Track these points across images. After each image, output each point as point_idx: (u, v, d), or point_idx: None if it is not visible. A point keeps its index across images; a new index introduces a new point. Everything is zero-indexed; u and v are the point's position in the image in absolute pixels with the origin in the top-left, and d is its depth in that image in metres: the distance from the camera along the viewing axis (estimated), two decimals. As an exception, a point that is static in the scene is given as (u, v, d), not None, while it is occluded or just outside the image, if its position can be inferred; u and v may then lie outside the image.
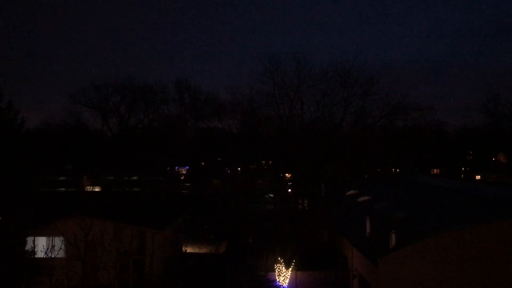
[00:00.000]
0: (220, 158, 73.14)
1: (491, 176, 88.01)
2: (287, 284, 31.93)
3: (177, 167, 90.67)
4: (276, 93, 56.87)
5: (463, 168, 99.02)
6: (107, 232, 32.44)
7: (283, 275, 31.87)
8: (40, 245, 33.34)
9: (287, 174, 60.49)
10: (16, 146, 27.53)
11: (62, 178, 75.46)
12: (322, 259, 34.70)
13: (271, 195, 53.45)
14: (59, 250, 32.86)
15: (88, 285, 30.34)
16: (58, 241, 33.26)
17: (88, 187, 69.31)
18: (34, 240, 33.08)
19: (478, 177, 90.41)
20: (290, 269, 32.23)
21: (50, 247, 32.70)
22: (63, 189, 73.64)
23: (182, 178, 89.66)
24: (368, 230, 28.87)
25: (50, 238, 33.90)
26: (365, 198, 39.73)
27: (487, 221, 24.50)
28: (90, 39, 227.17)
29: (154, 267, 33.85)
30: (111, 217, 35.01)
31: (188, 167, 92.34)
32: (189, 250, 40.81)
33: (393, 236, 24.65)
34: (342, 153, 53.62)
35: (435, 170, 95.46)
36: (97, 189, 68.16)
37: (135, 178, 73.17)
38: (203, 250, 43.81)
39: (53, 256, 31.82)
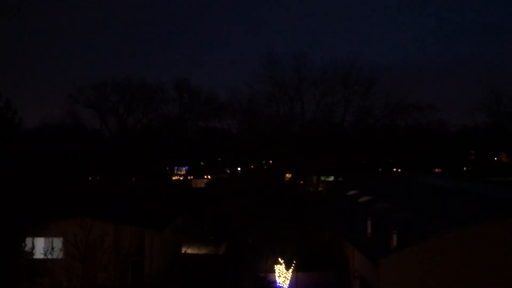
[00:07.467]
0: (220, 158, 72.95)
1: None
2: (287, 285, 31.70)
3: (176, 167, 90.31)
4: (276, 92, 56.66)
5: (465, 168, 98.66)
6: (107, 233, 32.23)
7: (284, 276, 31.64)
8: (39, 246, 33.15)
9: (287, 174, 60.20)
10: (14, 146, 27.30)
11: (61, 178, 75.12)
12: (323, 260, 34.49)
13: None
14: (59, 252, 32.70)
15: (87, 286, 30.13)
16: (58, 242, 33.10)
17: (87, 188, 68.97)
18: (33, 241, 32.90)
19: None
20: (291, 270, 31.99)
21: (49, 248, 32.54)
22: (62, 189, 73.28)
23: (181, 178, 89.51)
24: (369, 230, 28.64)
25: (50, 239, 33.71)
26: (366, 198, 39.49)
27: (489, 221, 24.26)
28: (89, 39, 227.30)
29: (153, 268, 33.64)
30: (111, 218, 34.84)
31: (188, 167, 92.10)
32: (188, 251, 40.60)
33: (395, 237, 24.44)
34: (343, 152, 53.36)
35: (436, 169, 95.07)
36: (95, 189, 67.86)
37: (134, 178, 72.93)
38: (203, 251, 43.58)
39: (52, 257, 31.65)
